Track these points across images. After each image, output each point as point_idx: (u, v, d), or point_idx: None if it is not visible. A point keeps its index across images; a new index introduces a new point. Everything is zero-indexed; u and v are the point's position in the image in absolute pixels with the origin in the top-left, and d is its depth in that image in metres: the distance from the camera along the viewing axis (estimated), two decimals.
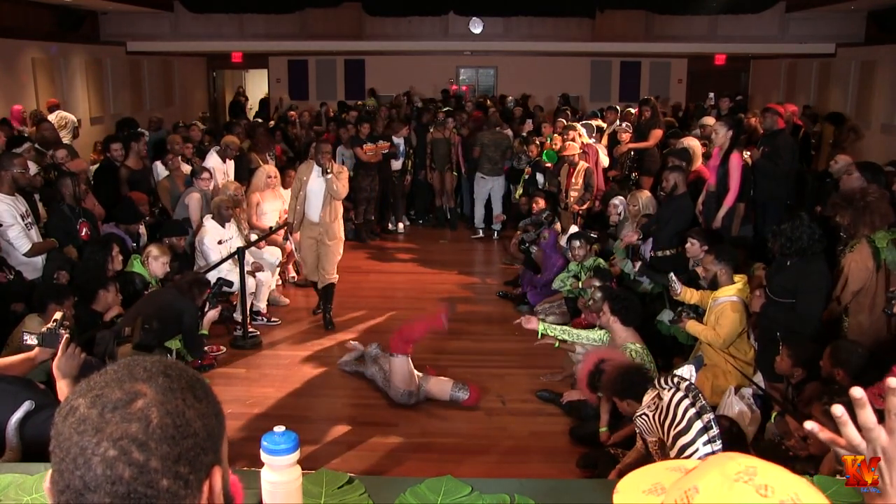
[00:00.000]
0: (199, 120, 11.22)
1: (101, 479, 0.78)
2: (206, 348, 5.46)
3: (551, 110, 12.14)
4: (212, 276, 5.99)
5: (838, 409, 0.99)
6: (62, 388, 2.35)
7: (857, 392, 0.97)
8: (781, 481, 0.85)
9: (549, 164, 8.52)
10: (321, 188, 5.93)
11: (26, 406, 2.44)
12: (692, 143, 7.47)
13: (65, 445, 0.80)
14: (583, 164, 8.03)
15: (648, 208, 6.29)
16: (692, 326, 4.52)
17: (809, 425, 1.03)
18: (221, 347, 5.69)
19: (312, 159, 6.10)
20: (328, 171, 5.83)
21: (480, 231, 9.49)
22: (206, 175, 6.71)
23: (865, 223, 4.03)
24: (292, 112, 11.54)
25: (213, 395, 0.90)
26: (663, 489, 0.96)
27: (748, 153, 6.49)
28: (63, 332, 2.51)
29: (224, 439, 0.91)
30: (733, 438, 2.92)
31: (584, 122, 9.54)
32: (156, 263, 5.27)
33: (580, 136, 8.30)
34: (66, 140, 8.31)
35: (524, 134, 9.81)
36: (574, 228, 7.20)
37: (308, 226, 6.10)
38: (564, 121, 9.27)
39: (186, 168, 7.23)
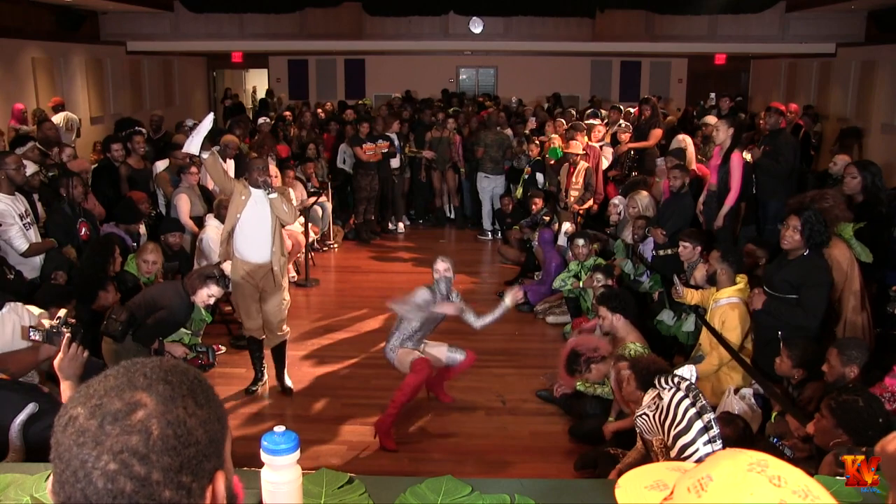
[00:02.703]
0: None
1: (102, 493, 0.78)
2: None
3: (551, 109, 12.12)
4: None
5: None
6: (65, 389, 2.34)
7: None
8: (793, 475, 0.88)
9: (552, 161, 8.52)
10: (265, 215, 4.64)
11: (30, 408, 2.44)
12: (686, 144, 7.47)
13: (65, 457, 0.80)
14: (583, 164, 8.02)
15: (648, 210, 6.29)
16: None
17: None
18: (221, 347, 5.69)
19: (245, 181, 4.73)
20: (270, 189, 4.63)
21: (489, 234, 9.42)
22: (193, 169, 6.68)
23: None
24: (287, 112, 11.52)
25: (216, 398, 0.89)
26: (665, 486, 0.98)
27: (748, 153, 6.49)
28: (65, 329, 2.48)
29: (227, 441, 0.90)
30: (745, 439, 2.92)
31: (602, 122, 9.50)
32: (139, 260, 5.26)
33: (597, 131, 8.35)
34: (69, 141, 8.32)
35: (527, 132, 9.80)
36: (567, 225, 7.21)
37: (245, 268, 4.77)
38: (564, 122, 9.26)
39: None
